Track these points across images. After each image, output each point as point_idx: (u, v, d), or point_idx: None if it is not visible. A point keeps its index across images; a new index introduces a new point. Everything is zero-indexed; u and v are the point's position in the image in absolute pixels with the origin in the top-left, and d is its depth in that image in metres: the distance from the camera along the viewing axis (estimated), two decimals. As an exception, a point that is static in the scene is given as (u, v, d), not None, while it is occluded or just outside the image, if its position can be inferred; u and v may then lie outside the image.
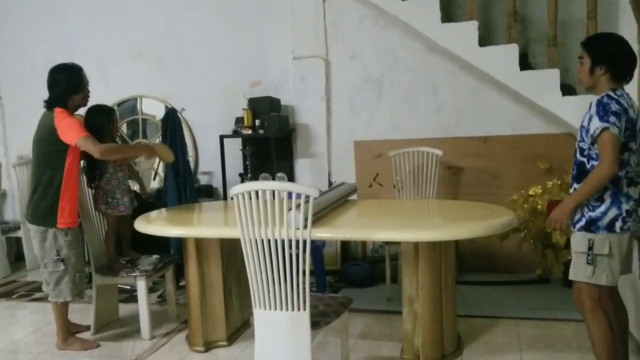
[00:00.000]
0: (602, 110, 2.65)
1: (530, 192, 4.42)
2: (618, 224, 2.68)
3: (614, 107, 2.64)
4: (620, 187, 2.70)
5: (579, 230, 2.77)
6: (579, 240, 2.77)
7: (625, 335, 2.85)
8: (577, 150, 2.84)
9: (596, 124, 2.64)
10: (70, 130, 3.47)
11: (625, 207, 2.68)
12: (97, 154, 3.48)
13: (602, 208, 2.70)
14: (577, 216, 2.78)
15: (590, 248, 2.71)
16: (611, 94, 2.70)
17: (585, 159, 2.78)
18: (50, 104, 3.59)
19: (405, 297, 3.26)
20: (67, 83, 3.57)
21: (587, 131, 2.72)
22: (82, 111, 3.85)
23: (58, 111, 3.53)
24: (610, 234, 2.70)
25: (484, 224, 3.11)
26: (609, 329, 2.75)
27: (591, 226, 2.72)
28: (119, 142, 4.09)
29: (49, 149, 3.53)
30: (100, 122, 3.86)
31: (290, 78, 5.32)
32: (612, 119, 2.61)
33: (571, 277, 2.82)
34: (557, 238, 4.15)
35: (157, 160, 3.99)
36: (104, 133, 3.82)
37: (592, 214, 2.72)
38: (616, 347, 2.77)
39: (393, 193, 4.79)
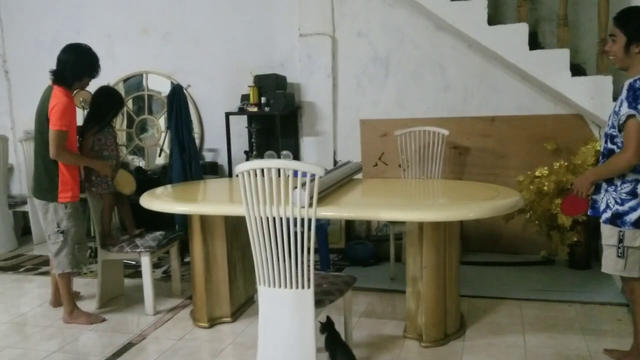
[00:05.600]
0: (632, 96, 2.57)
1: (537, 173, 4.39)
2: None
3: None
4: None
5: (605, 222, 2.73)
6: (608, 233, 2.73)
7: None
8: (607, 137, 2.76)
9: (624, 110, 2.58)
10: (53, 115, 3.50)
11: None
12: (52, 154, 3.51)
13: (633, 203, 2.65)
14: (603, 206, 2.74)
15: (620, 240, 2.66)
16: None
17: (615, 147, 2.71)
18: (57, 80, 3.60)
19: (409, 277, 3.26)
20: (86, 66, 3.64)
21: (617, 115, 2.64)
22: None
23: (57, 91, 3.56)
24: (637, 229, 2.65)
25: (489, 205, 3.10)
26: None
27: (617, 220, 2.68)
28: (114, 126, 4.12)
29: (47, 126, 3.55)
30: (105, 110, 3.90)
31: (296, 55, 5.28)
32: None
33: (604, 270, 2.80)
34: (562, 220, 4.14)
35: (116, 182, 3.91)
36: (102, 118, 3.88)
37: (620, 208, 2.66)
38: None
39: (398, 172, 4.78)
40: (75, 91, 3.75)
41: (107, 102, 3.93)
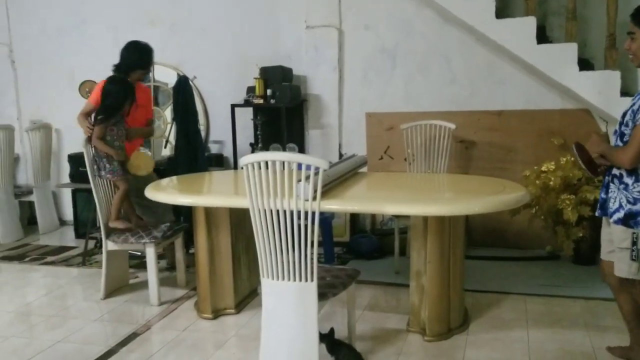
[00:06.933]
0: None
1: (543, 168, 4.37)
2: None
3: None
4: None
5: (616, 222, 2.66)
6: (621, 235, 2.66)
7: None
8: (618, 134, 2.71)
9: None
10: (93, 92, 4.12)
11: None
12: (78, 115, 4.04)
13: None
14: (616, 205, 2.67)
15: (634, 243, 2.61)
16: None
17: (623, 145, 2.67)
18: (114, 70, 4.08)
19: (413, 271, 3.26)
20: (136, 60, 4.08)
21: (636, 115, 2.58)
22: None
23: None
24: None
25: (494, 200, 3.09)
26: None
27: (630, 220, 2.61)
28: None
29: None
30: (116, 100, 3.87)
31: (302, 47, 5.26)
32: None
33: (617, 273, 2.73)
34: (568, 215, 4.13)
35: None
36: (114, 109, 3.86)
37: (634, 208, 2.60)
38: None
39: (404, 166, 4.76)
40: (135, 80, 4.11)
41: (117, 92, 3.87)
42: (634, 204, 2.60)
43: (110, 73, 4.06)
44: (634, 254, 2.61)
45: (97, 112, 3.91)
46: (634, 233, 2.61)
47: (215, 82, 5.57)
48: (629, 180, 2.64)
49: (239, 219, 3.64)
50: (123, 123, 3.96)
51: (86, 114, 4.00)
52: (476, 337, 3.25)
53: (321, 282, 2.70)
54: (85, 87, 4.98)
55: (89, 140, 3.87)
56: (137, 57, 4.09)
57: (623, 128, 2.67)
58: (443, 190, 3.83)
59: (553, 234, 4.44)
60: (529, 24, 4.32)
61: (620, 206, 2.64)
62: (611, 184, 2.73)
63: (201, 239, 3.57)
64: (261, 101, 4.99)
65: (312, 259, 2.56)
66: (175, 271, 4.28)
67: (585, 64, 4.34)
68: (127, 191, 3.95)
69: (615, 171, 2.70)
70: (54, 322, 3.65)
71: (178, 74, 5.48)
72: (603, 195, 2.80)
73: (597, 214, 2.87)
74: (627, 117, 2.65)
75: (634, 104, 2.63)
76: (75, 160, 5.42)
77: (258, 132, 5.15)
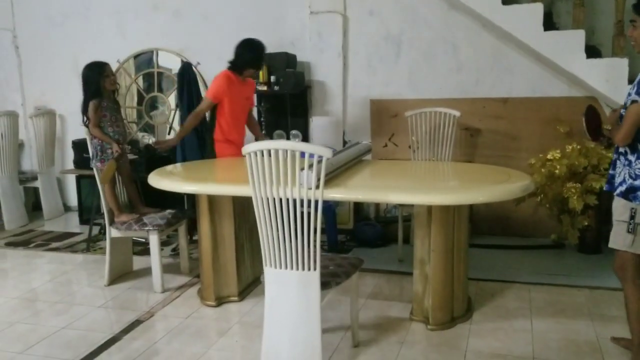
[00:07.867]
0: None
1: (549, 156, 4.34)
2: None
3: None
4: None
5: (619, 195, 2.79)
6: (620, 209, 2.78)
7: None
8: (620, 117, 2.84)
9: (633, 96, 2.66)
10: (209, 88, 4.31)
11: None
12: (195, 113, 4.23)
13: None
14: (620, 179, 2.80)
15: (632, 217, 2.72)
16: None
17: None
18: (229, 66, 4.23)
19: (417, 259, 3.25)
20: (248, 59, 4.16)
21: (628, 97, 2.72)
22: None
23: (223, 72, 4.21)
24: None
25: (499, 189, 3.06)
26: None
27: (630, 194, 2.73)
28: (117, 92, 4.22)
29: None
30: (92, 79, 3.87)
31: (306, 33, 5.22)
32: None
33: (611, 245, 2.84)
34: (573, 204, 4.10)
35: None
36: (98, 88, 3.86)
37: (635, 183, 2.72)
38: None
39: (408, 154, 4.74)
40: (245, 77, 4.26)
41: (90, 73, 3.90)
42: (635, 179, 2.73)
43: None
44: (630, 227, 2.73)
45: (83, 100, 3.90)
46: (632, 208, 2.73)
47: (218, 68, 5.44)
48: (632, 158, 2.77)
49: (243, 207, 3.63)
50: (113, 107, 3.95)
51: (198, 114, 4.18)
52: (479, 326, 3.25)
53: (324, 271, 2.70)
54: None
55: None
56: (250, 57, 4.16)
57: (622, 111, 2.82)
58: (447, 178, 3.80)
59: (558, 223, 4.42)
60: (536, 10, 4.27)
61: (624, 180, 2.78)
62: (618, 161, 2.87)
63: (204, 226, 3.57)
64: (265, 88, 4.97)
65: (315, 247, 2.56)
66: (179, 258, 4.28)
67: (592, 51, 4.29)
68: (113, 185, 3.95)
69: (621, 149, 2.83)
70: (58, 308, 3.67)
71: (182, 60, 5.46)
72: (611, 171, 2.93)
73: (605, 188, 3.00)
74: (626, 100, 2.80)
75: (631, 87, 2.76)
76: (79, 146, 5.43)
77: (262, 119, 5.13)
